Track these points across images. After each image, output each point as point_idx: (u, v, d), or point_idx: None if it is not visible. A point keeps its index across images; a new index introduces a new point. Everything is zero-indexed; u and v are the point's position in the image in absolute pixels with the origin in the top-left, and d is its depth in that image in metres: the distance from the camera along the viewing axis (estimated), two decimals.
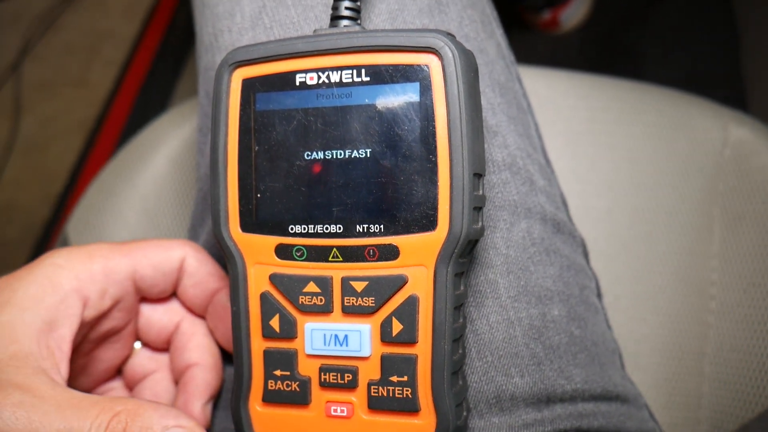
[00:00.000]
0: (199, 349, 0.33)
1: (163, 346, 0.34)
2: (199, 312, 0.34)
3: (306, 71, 0.27)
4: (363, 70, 0.27)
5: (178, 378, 0.34)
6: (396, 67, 0.26)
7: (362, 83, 0.27)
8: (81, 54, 1.35)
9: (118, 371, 0.35)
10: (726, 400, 0.44)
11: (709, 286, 0.47)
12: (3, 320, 0.28)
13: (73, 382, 0.33)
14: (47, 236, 1.11)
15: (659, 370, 0.46)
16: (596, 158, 0.51)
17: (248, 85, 0.28)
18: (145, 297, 0.33)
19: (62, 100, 1.30)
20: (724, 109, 0.52)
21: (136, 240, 0.33)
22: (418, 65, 0.26)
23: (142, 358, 0.35)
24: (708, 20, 1.09)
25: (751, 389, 0.43)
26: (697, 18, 1.10)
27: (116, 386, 0.35)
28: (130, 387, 0.35)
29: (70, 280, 0.30)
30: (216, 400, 0.34)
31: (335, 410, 0.28)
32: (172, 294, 0.34)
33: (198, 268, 0.33)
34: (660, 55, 1.09)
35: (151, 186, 0.55)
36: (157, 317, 0.34)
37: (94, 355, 0.33)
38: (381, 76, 0.26)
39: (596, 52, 1.12)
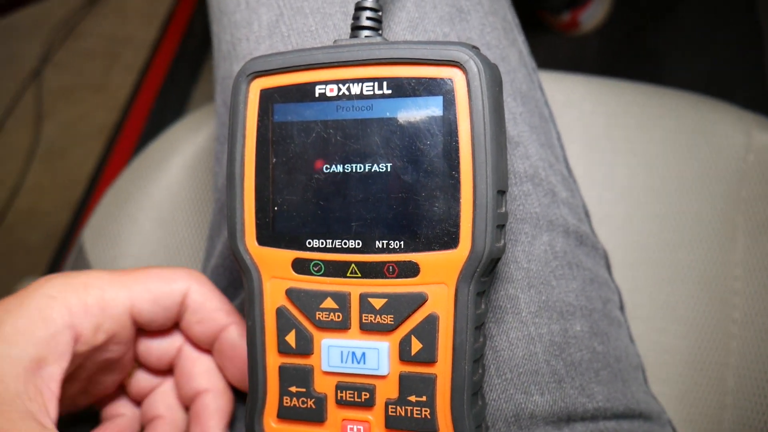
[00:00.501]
0: (206, 374, 0.32)
1: (165, 368, 0.33)
2: (205, 347, 0.33)
3: (326, 83, 0.27)
4: (385, 83, 0.26)
5: (186, 404, 0.33)
6: (419, 81, 0.26)
7: (384, 96, 0.26)
8: (101, 60, 1.36)
9: (121, 387, 0.34)
10: (750, 413, 0.43)
11: (733, 295, 0.46)
12: None
13: (73, 401, 0.32)
14: (68, 242, 1.12)
15: (681, 381, 0.45)
16: (615, 164, 0.50)
17: (266, 95, 0.28)
18: (143, 329, 0.32)
19: (83, 105, 1.31)
20: (747, 114, 0.51)
21: (136, 269, 0.31)
22: (442, 79, 0.25)
23: (145, 374, 0.34)
24: (730, 20, 1.07)
25: None
26: (719, 18, 1.08)
27: (122, 404, 0.34)
28: (138, 401, 0.34)
29: (63, 314, 0.28)
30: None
31: (351, 429, 0.27)
32: (173, 327, 0.33)
33: (203, 304, 0.31)
34: (681, 55, 1.07)
35: (166, 194, 0.55)
36: (156, 345, 0.32)
37: (91, 380, 0.32)
38: (403, 89, 0.26)
39: (616, 53, 1.11)
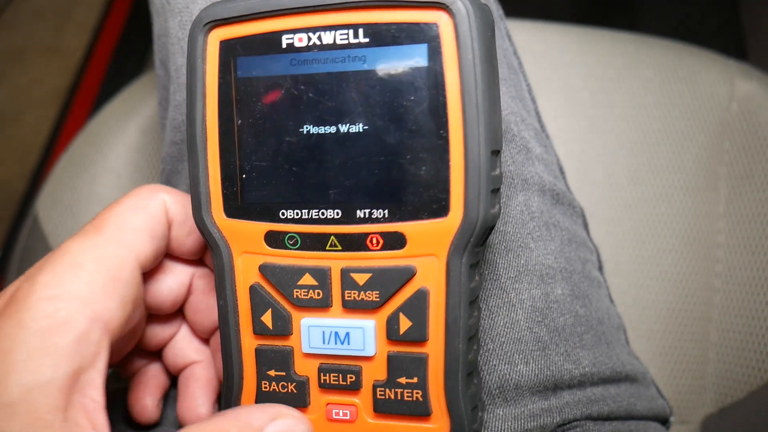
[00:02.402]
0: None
1: (176, 310, 0.29)
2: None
3: (294, 31, 0.24)
4: (361, 30, 0.23)
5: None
6: (399, 26, 0.23)
7: (360, 45, 0.23)
8: (52, 19, 1.28)
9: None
10: (733, 366, 0.43)
11: (715, 248, 0.45)
12: (11, 398, 0.20)
13: None
14: (25, 212, 1.07)
15: (664, 337, 0.45)
16: (595, 117, 0.48)
17: (227, 48, 0.24)
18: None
19: (34, 68, 1.23)
20: (730, 62, 0.49)
21: (101, 216, 0.25)
22: (426, 24, 0.22)
23: (158, 324, 0.29)
24: None
25: (759, 355, 0.42)
26: None
27: (139, 357, 0.30)
28: (155, 350, 0.30)
29: (78, 309, 0.22)
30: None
31: (337, 413, 0.25)
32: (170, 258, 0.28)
33: (186, 213, 0.27)
34: (655, 5, 1.05)
35: (124, 158, 0.51)
36: (163, 285, 0.28)
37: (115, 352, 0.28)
38: (382, 36, 0.23)
39: (589, 2, 1.08)
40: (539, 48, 0.49)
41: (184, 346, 0.30)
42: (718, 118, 0.47)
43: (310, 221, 0.24)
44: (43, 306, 0.22)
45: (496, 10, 0.35)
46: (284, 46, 0.24)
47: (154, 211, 0.26)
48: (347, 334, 0.24)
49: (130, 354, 0.31)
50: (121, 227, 0.25)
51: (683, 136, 0.47)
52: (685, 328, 0.44)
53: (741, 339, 0.43)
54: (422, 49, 0.22)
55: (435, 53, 0.22)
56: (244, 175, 0.24)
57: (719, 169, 0.46)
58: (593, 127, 0.48)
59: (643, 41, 0.51)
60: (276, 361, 0.25)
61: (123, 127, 0.51)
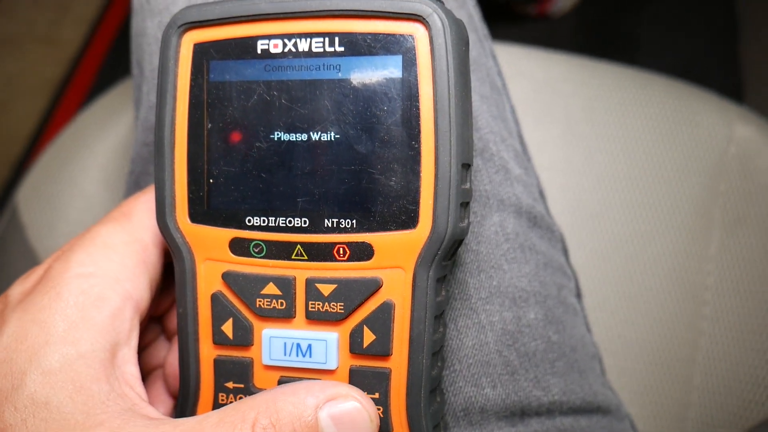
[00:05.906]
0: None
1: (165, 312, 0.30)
2: None
3: (270, 37, 0.23)
4: (336, 39, 0.23)
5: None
6: (375, 37, 0.22)
7: (335, 54, 0.23)
8: (51, 9, 1.27)
9: None
10: (714, 411, 0.42)
11: (704, 290, 0.45)
12: (52, 367, 0.21)
13: None
14: (5, 201, 1.06)
15: (646, 377, 0.44)
16: (593, 149, 0.48)
17: (201, 51, 0.24)
18: None
19: (29, 57, 1.22)
20: (730, 105, 0.50)
21: (129, 204, 0.26)
22: (402, 35, 0.22)
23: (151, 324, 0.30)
24: (705, 6, 1.05)
25: (742, 402, 0.41)
26: (694, 4, 1.06)
27: None
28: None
29: (113, 288, 0.23)
30: None
31: None
32: None
33: None
34: (654, 42, 1.05)
35: (112, 155, 0.50)
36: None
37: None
38: (357, 46, 0.22)
39: (588, 39, 1.08)
40: (541, 76, 0.49)
41: (160, 347, 0.30)
42: (715, 160, 0.47)
43: (277, 229, 0.24)
44: (78, 282, 0.23)
45: (481, 29, 0.35)
46: (259, 51, 0.23)
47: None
48: (309, 346, 0.24)
49: None
50: (148, 214, 0.26)
51: (680, 175, 0.47)
52: (668, 369, 0.44)
53: (724, 384, 0.42)
54: (397, 60, 0.22)
55: (410, 64, 0.22)
56: (211, 180, 0.24)
57: (713, 211, 0.46)
58: (591, 158, 0.48)
59: (645, 78, 0.51)
60: (235, 372, 0.25)
61: (113, 123, 0.51)
